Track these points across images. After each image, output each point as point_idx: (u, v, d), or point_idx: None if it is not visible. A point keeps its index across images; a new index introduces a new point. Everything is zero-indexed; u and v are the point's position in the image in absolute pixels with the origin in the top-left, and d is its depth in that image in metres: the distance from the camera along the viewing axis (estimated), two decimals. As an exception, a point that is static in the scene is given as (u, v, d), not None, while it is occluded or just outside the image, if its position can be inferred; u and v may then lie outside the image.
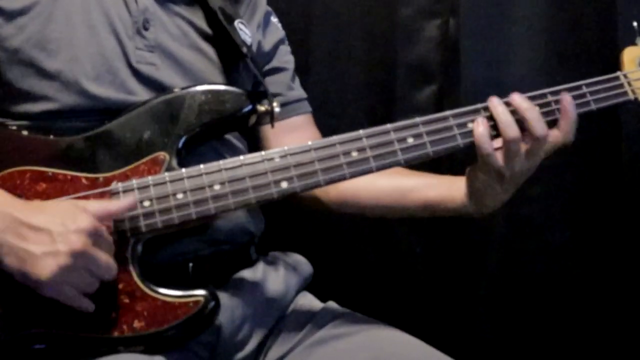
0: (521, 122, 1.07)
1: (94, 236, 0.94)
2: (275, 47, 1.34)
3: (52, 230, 0.92)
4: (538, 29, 1.59)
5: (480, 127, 1.07)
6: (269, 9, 1.36)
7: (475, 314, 1.65)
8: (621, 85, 1.15)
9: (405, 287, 1.64)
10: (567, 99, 1.09)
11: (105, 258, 0.96)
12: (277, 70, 1.33)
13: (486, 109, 1.09)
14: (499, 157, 1.07)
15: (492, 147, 1.07)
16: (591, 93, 1.13)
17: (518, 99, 1.08)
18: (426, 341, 1.15)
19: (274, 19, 1.36)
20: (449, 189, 1.18)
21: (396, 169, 1.11)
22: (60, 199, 1.01)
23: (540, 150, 1.08)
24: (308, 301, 1.25)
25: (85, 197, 1.01)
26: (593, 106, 1.13)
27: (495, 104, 1.08)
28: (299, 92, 1.36)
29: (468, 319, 1.65)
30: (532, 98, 1.09)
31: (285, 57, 1.36)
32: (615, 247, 1.59)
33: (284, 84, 1.34)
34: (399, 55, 1.63)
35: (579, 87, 1.13)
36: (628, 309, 1.58)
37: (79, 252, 0.93)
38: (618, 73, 1.16)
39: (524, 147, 1.07)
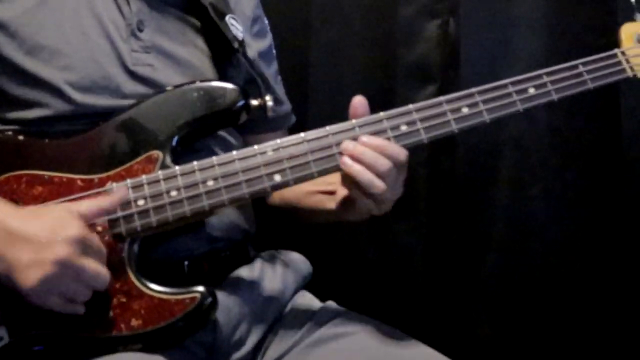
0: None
1: (82, 245, 0.93)
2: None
3: (40, 239, 0.92)
4: (538, 28, 1.59)
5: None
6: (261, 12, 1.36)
7: (475, 314, 1.64)
8: (619, 63, 1.13)
9: (404, 287, 1.64)
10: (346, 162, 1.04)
11: (93, 267, 0.95)
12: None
13: (480, 93, 1.09)
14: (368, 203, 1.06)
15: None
16: (588, 72, 1.11)
17: (366, 145, 1.04)
18: (425, 341, 1.14)
19: (266, 21, 1.37)
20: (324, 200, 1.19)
21: None
22: (55, 203, 1.01)
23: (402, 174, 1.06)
24: (307, 300, 1.24)
25: (80, 199, 1.01)
26: (590, 85, 1.11)
27: (349, 164, 1.03)
28: (287, 105, 1.38)
29: (467, 319, 1.64)
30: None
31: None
32: (615, 247, 1.58)
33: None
34: (399, 55, 1.63)
35: (575, 67, 1.12)
36: (628, 309, 1.57)
37: (64, 261, 0.92)
38: (616, 50, 1.14)
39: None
